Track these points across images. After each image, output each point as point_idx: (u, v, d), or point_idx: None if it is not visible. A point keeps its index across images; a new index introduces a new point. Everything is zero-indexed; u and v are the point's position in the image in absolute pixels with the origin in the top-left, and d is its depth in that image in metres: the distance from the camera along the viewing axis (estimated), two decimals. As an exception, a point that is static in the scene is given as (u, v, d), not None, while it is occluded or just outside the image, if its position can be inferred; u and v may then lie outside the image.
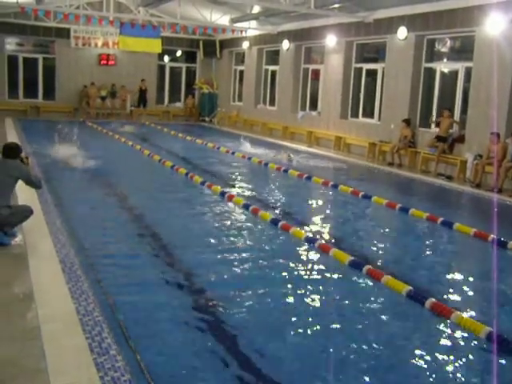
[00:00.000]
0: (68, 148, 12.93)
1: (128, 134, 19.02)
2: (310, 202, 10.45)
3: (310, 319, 4.98)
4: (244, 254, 6.68)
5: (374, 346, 4.53)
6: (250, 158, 14.50)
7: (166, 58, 26.66)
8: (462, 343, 4.66)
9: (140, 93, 25.13)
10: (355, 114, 18.09)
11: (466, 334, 4.76)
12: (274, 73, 22.71)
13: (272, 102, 22.85)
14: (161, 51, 22.97)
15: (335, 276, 6.11)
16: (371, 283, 5.87)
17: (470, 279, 6.51)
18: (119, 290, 5.31)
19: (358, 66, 17.91)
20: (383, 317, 5.13)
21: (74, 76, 24.13)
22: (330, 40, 18.13)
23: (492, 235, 7.85)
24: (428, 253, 7.60)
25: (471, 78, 13.40)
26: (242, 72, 24.97)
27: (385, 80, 16.28)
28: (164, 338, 4.44)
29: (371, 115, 17.37)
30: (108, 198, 9.56)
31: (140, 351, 4.06)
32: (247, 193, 10.55)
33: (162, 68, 26.63)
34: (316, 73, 20.34)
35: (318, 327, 4.83)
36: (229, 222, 8.18)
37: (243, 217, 8.56)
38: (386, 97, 16.19)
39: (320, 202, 10.53)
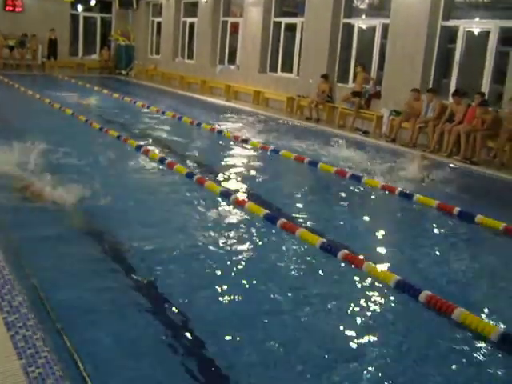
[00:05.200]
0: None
1: (38, 86, 18.11)
2: (221, 157, 10.28)
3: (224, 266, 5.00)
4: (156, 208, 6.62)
5: (287, 295, 4.59)
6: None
7: (80, 7, 25.38)
8: (373, 292, 4.79)
9: (49, 43, 23.64)
10: (274, 69, 18.03)
11: (376, 283, 4.90)
12: (192, 25, 22.19)
13: (190, 56, 22.40)
14: (73, -1, 21.86)
15: (250, 229, 6.12)
16: (286, 236, 5.92)
17: (379, 231, 6.67)
18: (30, 247, 5.09)
19: (278, 20, 17.77)
20: (297, 267, 5.19)
21: (-23, 23, 22.61)
22: (250, -8, 17.85)
23: (399, 188, 8.10)
24: (337, 206, 7.66)
25: (388, 35, 13.59)
26: (159, 24, 24.25)
27: (304, 35, 16.25)
28: (79, 291, 4.31)
29: (290, 70, 17.36)
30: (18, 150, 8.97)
31: (53, 308, 3.93)
32: (162, 147, 10.38)
33: (75, 18, 25.37)
34: (235, 26, 20.04)
35: (233, 276, 4.85)
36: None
37: (159, 170, 8.47)
38: (304, 52, 16.19)
39: (233, 157, 10.42)
